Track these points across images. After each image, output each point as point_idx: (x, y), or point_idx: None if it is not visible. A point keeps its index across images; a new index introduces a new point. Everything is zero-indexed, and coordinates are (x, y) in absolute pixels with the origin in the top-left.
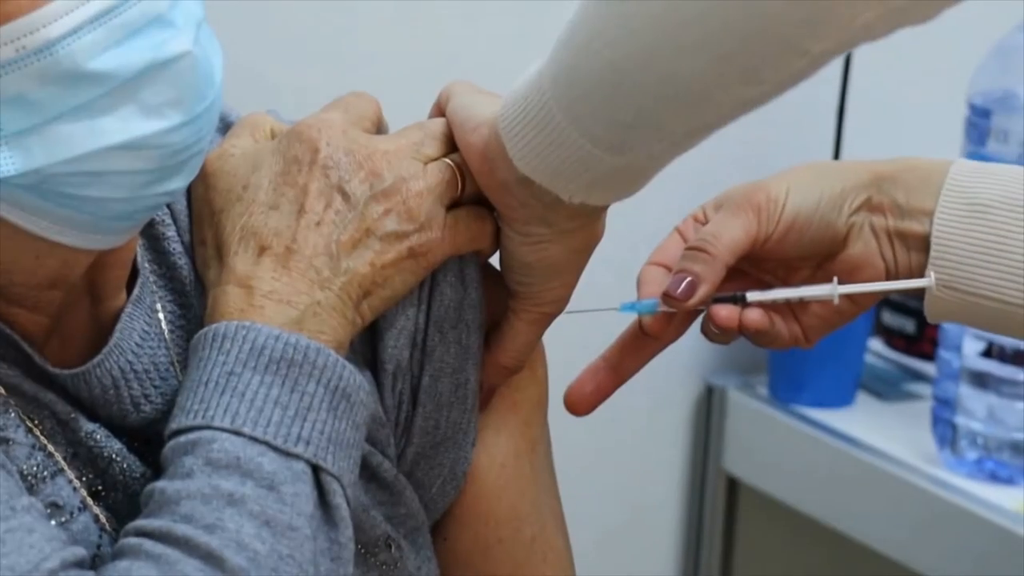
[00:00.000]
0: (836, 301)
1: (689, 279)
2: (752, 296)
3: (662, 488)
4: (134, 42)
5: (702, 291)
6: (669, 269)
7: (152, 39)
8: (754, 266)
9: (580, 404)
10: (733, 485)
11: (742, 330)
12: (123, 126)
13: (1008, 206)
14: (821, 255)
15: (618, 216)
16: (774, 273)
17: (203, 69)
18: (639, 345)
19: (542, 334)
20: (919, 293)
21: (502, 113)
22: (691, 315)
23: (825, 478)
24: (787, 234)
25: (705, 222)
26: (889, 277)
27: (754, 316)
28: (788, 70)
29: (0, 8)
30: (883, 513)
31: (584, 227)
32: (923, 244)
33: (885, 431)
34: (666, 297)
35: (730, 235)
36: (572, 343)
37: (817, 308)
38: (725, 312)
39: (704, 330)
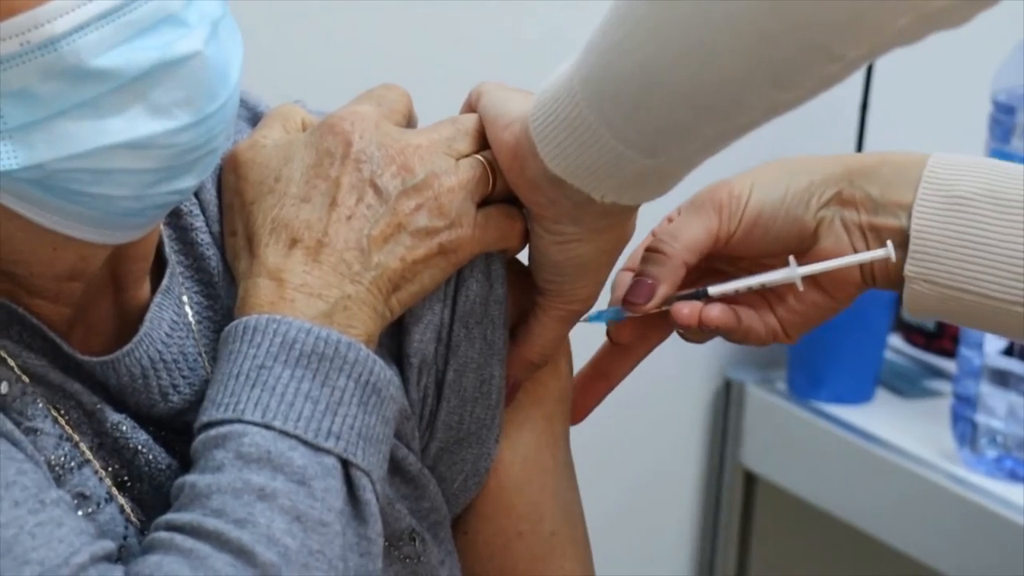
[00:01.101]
0: (800, 286)
1: (648, 282)
2: (713, 290)
3: (679, 482)
4: (143, 40)
5: (660, 292)
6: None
7: (162, 38)
8: (729, 264)
9: (572, 412)
10: (750, 480)
11: (704, 327)
12: (128, 125)
13: (987, 199)
14: (791, 250)
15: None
16: (749, 271)
17: (216, 68)
18: (625, 349)
19: (569, 331)
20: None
21: (533, 112)
22: (664, 317)
23: (843, 474)
24: (752, 230)
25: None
26: (862, 272)
27: (714, 313)
28: (821, 75)
29: (5, 3)
30: (901, 510)
31: (614, 226)
32: (899, 238)
33: (904, 428)
34: (626, 302)
35: (689, 234)
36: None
37: (793, 302)
38: (687, 310)
39: (676, 330)
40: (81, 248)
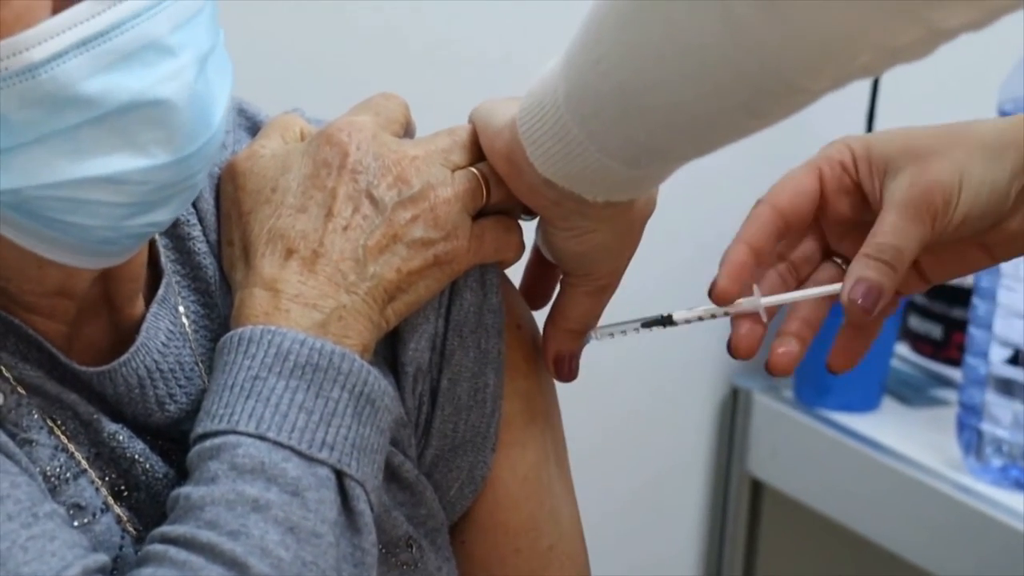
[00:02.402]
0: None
1: (870, 287)
2: (678, 315)
3: (686, 489)
4: (125, 69)
5: (882, 302)
6: (758, 252)
7: (146, 67)
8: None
9: (743, 350)
10: (757, 488)
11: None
12: (105, 160)
13: None
14: (981, 236)
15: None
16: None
17: (198, 110)
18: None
19: (606, 302)
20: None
21: (520, 117)
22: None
23: (849, 482)
24: (954, 232)
25: (854, 168)
26: None
27: (746, 331)
28: (788, 105)
29: None
30: (907, 518)
31: (624, 211)
32: None
33: (910, 436)
34: (851, 303)
35: (911, 248)
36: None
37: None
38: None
39: (729, 348)
40: (66, 266)
